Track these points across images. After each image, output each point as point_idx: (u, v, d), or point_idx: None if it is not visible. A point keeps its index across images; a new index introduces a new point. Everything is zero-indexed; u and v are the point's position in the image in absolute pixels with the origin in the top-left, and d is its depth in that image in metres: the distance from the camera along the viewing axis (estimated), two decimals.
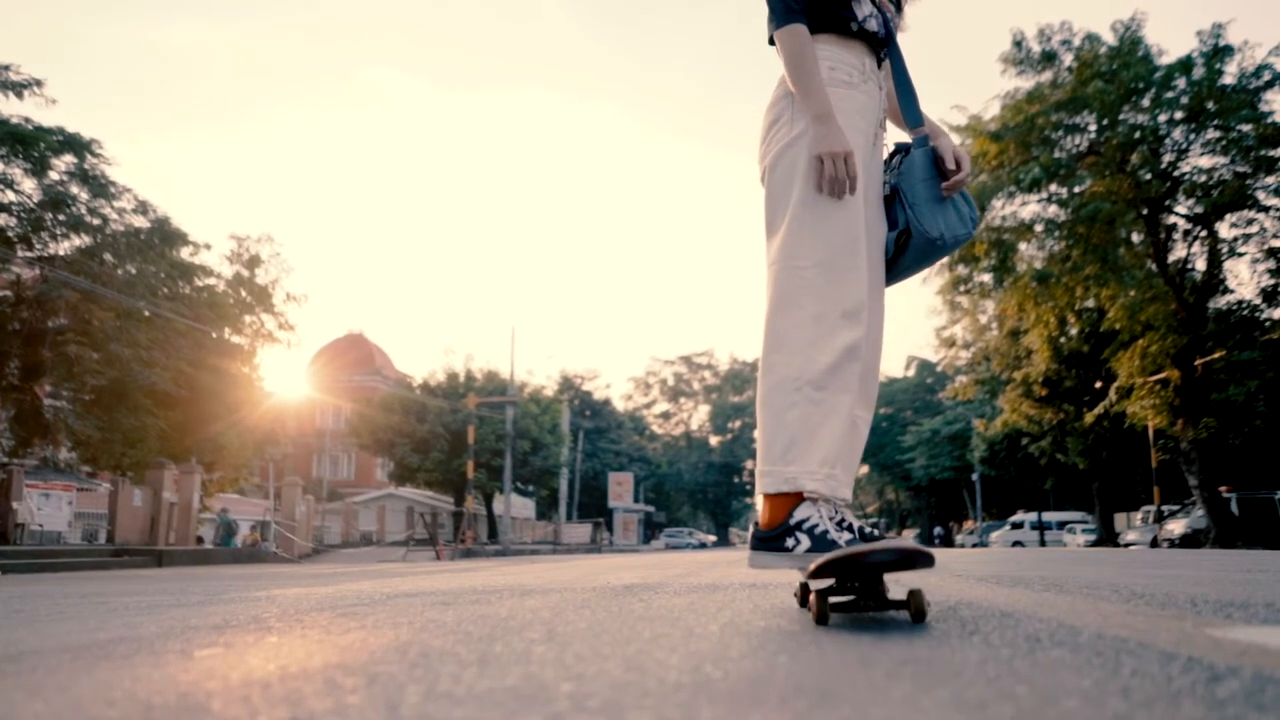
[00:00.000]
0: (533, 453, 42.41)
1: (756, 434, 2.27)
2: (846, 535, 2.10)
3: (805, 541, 2.10)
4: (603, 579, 5.64)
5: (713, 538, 70.35)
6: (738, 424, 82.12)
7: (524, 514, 53.37)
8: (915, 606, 1.99)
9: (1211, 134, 27.12)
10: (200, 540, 24.53)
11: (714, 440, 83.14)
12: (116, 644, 2.05)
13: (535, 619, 2.50)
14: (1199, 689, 1.13)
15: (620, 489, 60.03)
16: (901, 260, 2.39)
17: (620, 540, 57.12)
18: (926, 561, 1.96)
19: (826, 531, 2.09)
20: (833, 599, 2.06)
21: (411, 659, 1.60)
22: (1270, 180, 26.79)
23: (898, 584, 3.10)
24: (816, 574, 1.98)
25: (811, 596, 2.00)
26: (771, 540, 2.16)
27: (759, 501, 2.26)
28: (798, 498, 2.14)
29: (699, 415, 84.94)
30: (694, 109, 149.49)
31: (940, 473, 59.24)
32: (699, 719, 1.01)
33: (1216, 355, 27.42)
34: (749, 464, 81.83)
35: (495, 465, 39.35)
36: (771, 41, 2.33)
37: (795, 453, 2.12)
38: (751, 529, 2.24)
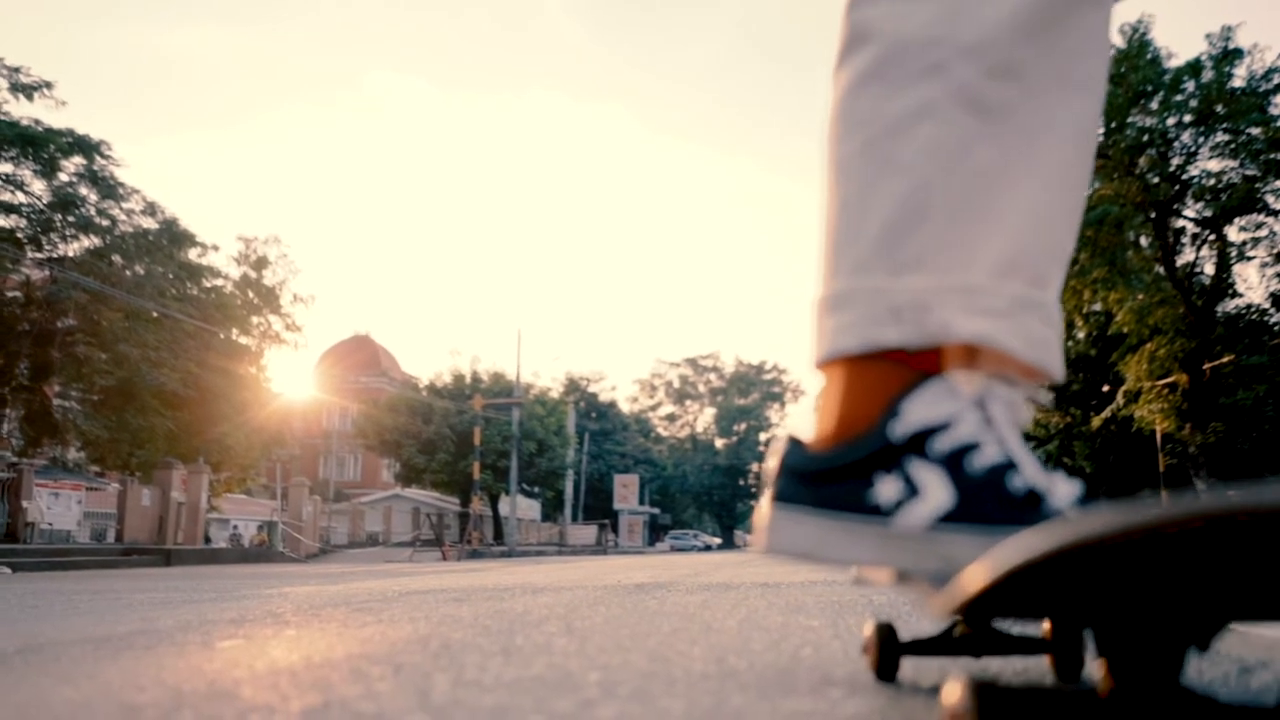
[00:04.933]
0: (539, 454, 42.43)
1: (823, 211, 0.94)
2: (1067, 486, 0.83)
3: (936, 490, 0.82)
4: (613, 578, 5.65)
5: (718, 540, 70.30)
6: (743, 427, 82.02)
7: (529, 515, 53.38)
8: None
9: (1221, 137, 27.04)
10: (208, 540, 24.58)
11: (719, 443, 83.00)
12: (136, 636, 2.06)
13: (551, 614, 2.50)
14: (1231, 680, 1.13)
15: (626, 491, 60.01)
16: None
17: (625, 542, 57.10)
18: None
19: (1007, 464, 0.83)
20: (1003, 678, 0.90)
21: (434, 650, 1.61)
22: None
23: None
24: (998, 601, 0.66)
25: (956, 689, 0.67)
26: (833, 479, 0.86)
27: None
28: (924, 363, 0.87)
29: (704, 418, 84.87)
30: (701, 111, 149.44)
31: None
32: (730, 706, 1.01)
33: (1225, 359, 27.34)
34: (754, 467, 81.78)
35: (501, 466, 39.37)
36: None
37: (926, 235, 0.86)
38: (780, 455, 0.91)
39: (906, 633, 1.10)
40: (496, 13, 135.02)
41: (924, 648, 1.01)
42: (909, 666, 1.21)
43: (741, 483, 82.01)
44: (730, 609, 2.64)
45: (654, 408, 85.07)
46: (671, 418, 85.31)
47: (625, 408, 78.80)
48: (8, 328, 21.74)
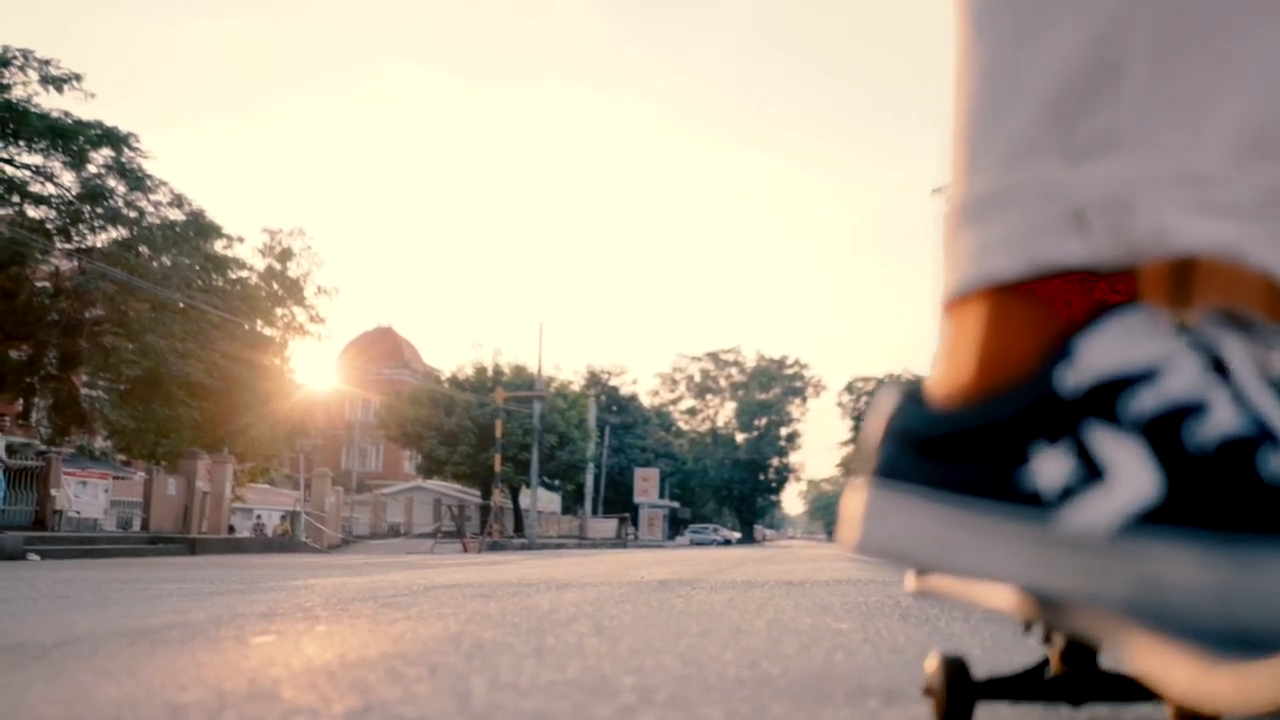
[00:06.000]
0: (559, 447, 42.54)
1: (957, 83, 0.62)
2: None
3: (1134, 473, 0.52)
4: (635, 574, 5.66)
5: (737, 535, 70.31)
6: (763, 421, 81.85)
7: (550, 508, 53.54)
8: None
9: None
10: (232, 530, 24.82)
11: (740, 437, 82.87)
12: (170, 629, 2.08)
13: (579, 613, 2.51)
14: None
15: (646, 485, 60.07)
16: None
17: (645, 536, 57.18)
18: None
19: (1255, 435, 0.51)
20: None
21: (467, 650, 1.62)
22: None
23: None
24: None
25: None
26: (965, 450, 0.57)
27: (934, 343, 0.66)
28: (1111, 294, 0.57)
29: (725, 412, 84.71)
30: (722, 105, 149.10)
31: None
32: (769, 715, 1.01)
33: None
34: (775, 461, 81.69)
35: (522, 459, 39.48)
36: None
37: (1121, 99, 0.55)
38: (887, 413, 0.61)
39: (980, 669, 0.79)
40: (518, 6, 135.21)
41: (1006, 690, 0.76)
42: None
43: (761, 478, 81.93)
44: (757, 609, 2.63)
45: (675, 401, 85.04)
46: (692, 412, 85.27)
47: (646, 401, 78.83)
48: (37, 318, 22.02)
